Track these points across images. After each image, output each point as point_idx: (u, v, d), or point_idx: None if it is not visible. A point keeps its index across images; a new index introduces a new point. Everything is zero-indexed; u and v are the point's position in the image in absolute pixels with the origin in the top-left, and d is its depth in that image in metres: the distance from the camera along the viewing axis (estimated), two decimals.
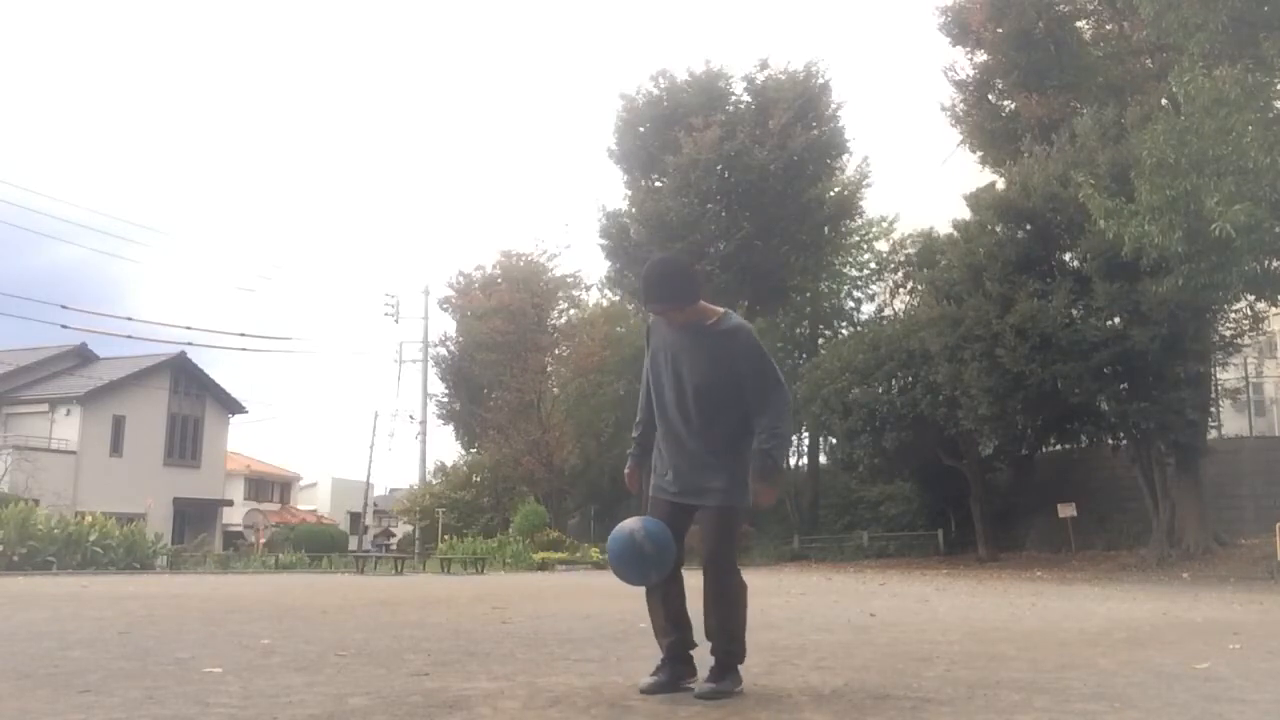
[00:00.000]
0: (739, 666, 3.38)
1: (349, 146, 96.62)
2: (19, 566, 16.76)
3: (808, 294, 31.43)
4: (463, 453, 37.87)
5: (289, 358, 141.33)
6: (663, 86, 27.58)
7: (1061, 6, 20.65)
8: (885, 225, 32.86)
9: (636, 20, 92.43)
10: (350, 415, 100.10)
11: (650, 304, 3.48)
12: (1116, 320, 16.55)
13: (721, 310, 3.50)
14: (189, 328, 37.76)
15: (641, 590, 3.51)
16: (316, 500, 52.70)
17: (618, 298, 33.40)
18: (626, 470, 3.76)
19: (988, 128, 21.77)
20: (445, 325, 47.32)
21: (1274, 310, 17.05)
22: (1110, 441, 20.03)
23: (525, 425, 31.92)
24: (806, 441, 33.16)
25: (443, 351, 36.73)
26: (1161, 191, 12.27)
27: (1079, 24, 20.93)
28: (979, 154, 22.77)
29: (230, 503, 39.99)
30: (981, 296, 17.67)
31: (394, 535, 41.37)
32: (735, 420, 3.42)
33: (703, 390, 3.40)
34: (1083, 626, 6.32)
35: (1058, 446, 22.49)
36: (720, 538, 3.39)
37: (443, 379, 36.78)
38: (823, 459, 31.71)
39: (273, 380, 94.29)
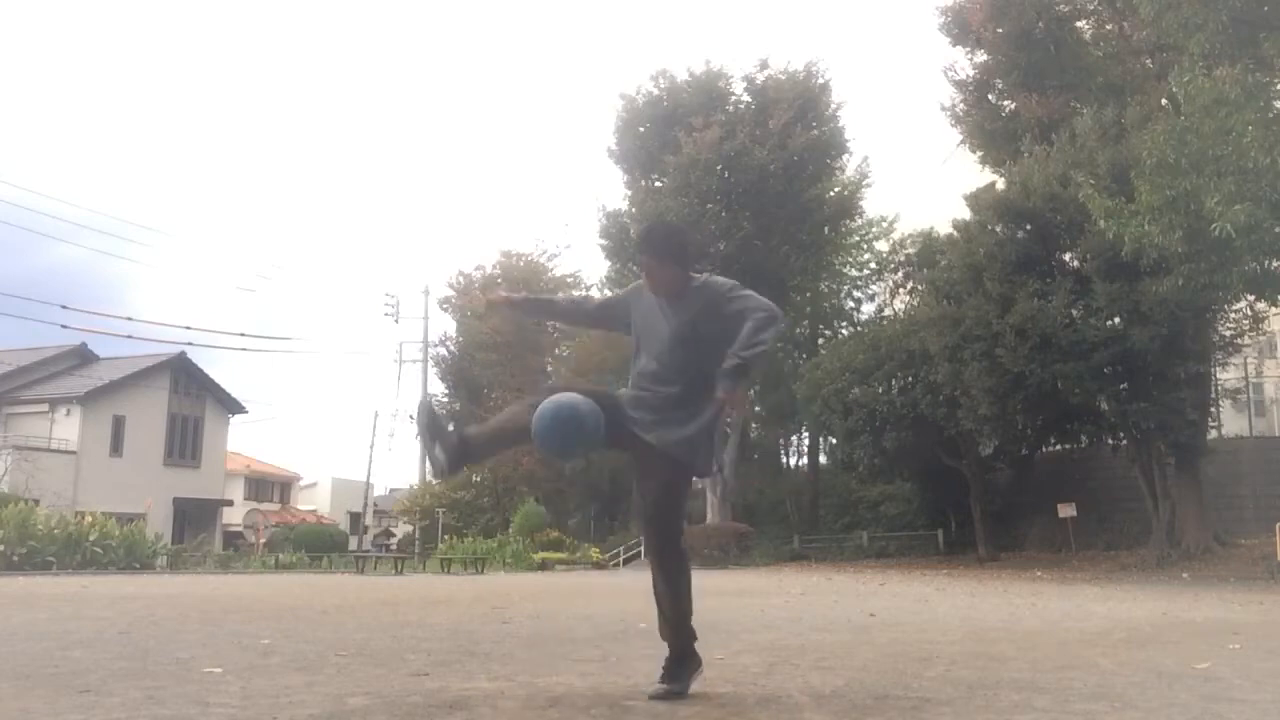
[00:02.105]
0: (694, 645, 3.29)
1: (349, 146, 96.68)
2: (19, 566, 16.77)
3: (808, 294, 31.46)
4: None
5: (289, 358, 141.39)
6: (663, 86, 27.61)
7: (1061, 6, 20.66)
8: (885, 225, 32.91)
9: (636, 20, 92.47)
10: (350, 415, 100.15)
11: (642, 252, 3.46)
12: (1116, 320, 16.55)
13: (704, 276, 3.46)
14: (189, 328, 37.69)
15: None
16: (316, 500, 52.68)
17: None
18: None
19: (988, 128, 21.79)
20: (445, 325, 47.45)
21: (1274, 310, 17.05)
22: (1110, 441, 20.05)
23: None
24: (806, 441, 33.21)
25: (443, 351, 36.82)
26: (1161, 191, 12.28)
27: (1079, 24, 20.94)
28: (979, 154, 22.78)
29: (230, 503, 39.97)
30: (981, 296, 17.67)
31: (394, 535, 41.37)
32: (709, 379, 3.25)
33: (681, 340, 3.29)
34: (1083, 626, 6.32)
35: (1058, 446, 22.51)
36: (667, 493, 3.28)
37: (443, 379, 36.86)
38: (823, 459, 31.74)
39: (273, 380, 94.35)
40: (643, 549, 3.46)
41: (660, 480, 3.29)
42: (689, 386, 3.28)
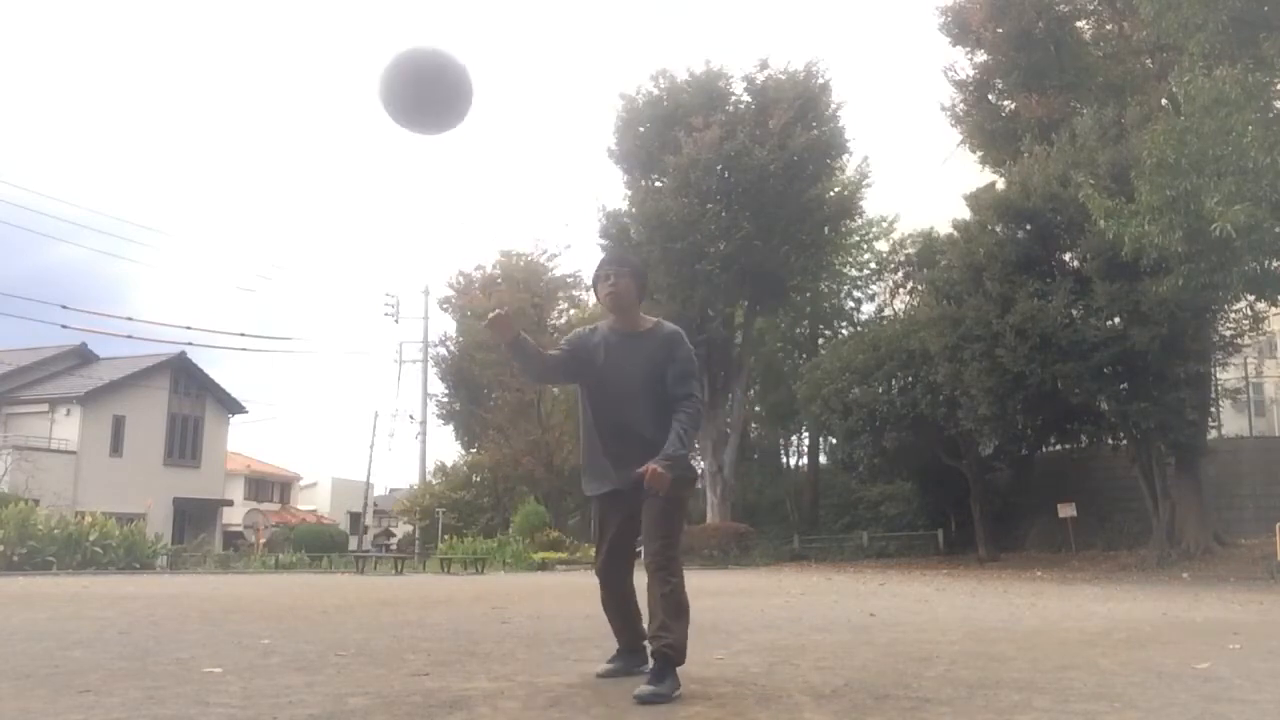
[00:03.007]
0: (677, 669, 3.31)
1: (349, 146, 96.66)
2: (19, 566, 16.77)
3: (808, 294, 31.44)
4: (463, 453, 37.93)
5: (289, 358, 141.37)
6: (663, 86, 27.58)
7: (1061, 6, 20.64)
8: (885, 225, 32.88)
9: (636, 20, 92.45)
10: (350, 415, 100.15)
11: (615, 263, 3.72)
12: (1116, 320, 16.54)
13: (655, 319, 3.74)
14: (189, 328, 37.66)
15: (642, 588, 3.57)
16: (316, 500, 52.69)
17: None
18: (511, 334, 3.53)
19: (988, 128, 21.76)
20: (445, 325, 47.39)
21: (1274, 310, 17.04)
22: (1110, 441, 20.02)
23: (525, 425, 31.95)
24: (806, 441, 33.20)
25: (443, 351, 36.83)
26: (1161, 191, 12.27)
27: (1079, 24, 20.92)
28: (979, 154, 22.76)
29: (230, 503, 39.98)
30: (981, 296, 17.66)
31: (394, 535, 41.38)
32: (663, 415, 3.58)
33: (646, 385, 3.56)
34: (1083, 626, 6.32)
35: (1058, 446, 22.50)
36: (667, 530, 3.44)
37: (443, 379, 36.87)
38: (823, 459, 31.72)
39: (273, 380, 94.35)
40: (646, 564, 3.42)
41: (659, 517, 3.44)
42: (660, 425, 3.53)
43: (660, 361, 3.58)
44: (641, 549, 3.61)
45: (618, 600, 3.72)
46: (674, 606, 3.34)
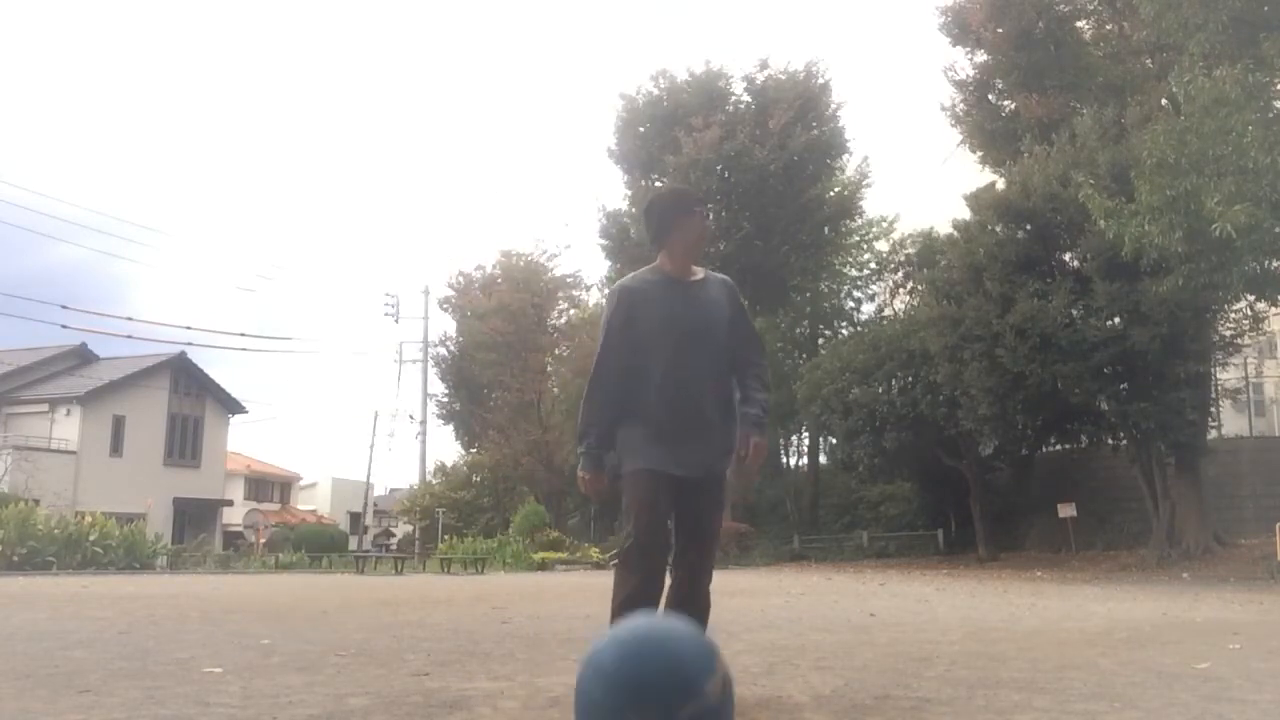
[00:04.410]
0: None
1: (349, 146, 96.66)
2: (19, 566, 16.78)
3: (808, 294, 31.45)
4: (463, 453, 37.92)
5: (289, 358, 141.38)
6: (663, 86, 27.59)
7: (1061, 6, 20.64)
8: (885, 225, 32.88)
9: (636, 20, 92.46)
10: (350, 415, 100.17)
11: (697, 200, 3.41)
12: (1116, 320, 16.53)
13: (703, 267, 3.38)
14: (189, 328, 37.81)
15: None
16: (316, 500, 52.67)
17: None
18: (589, 475, 3.27)
19: (988, 128, 21.75)
20: (445, 325, 47.39)
21: (1274, 310, 17.03)
22: (1110, 441, 20.01)
23: (525, 425, 31.92)
24: (806, 441, 33.18)
25: (443, 351, 36.82)
26: (1161, 191, 12.26)
27: (1079, 24, 20.92)
28: (979, 154, 22.75)
29: (230, 503, 39.97)
30: (981, 296, 17.66)
31: (394, 535, 41.36)
32: (728, 375, 3.25)
33: (709, 338, 3.17)
34: (1083, 626, 6.32)
35: (1058, 446, 22.48)
36: (716, 531, 3.24)
37: (443, 379, 36.86)
38: (823, 459, 31.71)
39: (273, 380, 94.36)
40: (685, 569, 3.22)
41: (710, 518, 3.21)
42: (721, 385, 3.20)
43: (725, 313, 3.22)
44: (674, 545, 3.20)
45: (652, 598, 3.02)
46: (706, 614, 3.17)
